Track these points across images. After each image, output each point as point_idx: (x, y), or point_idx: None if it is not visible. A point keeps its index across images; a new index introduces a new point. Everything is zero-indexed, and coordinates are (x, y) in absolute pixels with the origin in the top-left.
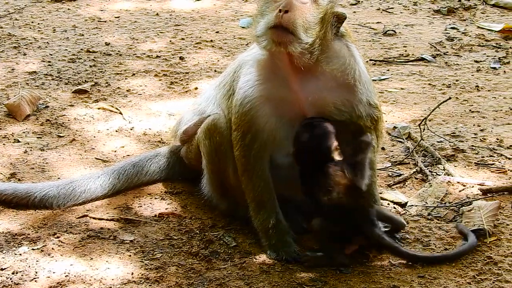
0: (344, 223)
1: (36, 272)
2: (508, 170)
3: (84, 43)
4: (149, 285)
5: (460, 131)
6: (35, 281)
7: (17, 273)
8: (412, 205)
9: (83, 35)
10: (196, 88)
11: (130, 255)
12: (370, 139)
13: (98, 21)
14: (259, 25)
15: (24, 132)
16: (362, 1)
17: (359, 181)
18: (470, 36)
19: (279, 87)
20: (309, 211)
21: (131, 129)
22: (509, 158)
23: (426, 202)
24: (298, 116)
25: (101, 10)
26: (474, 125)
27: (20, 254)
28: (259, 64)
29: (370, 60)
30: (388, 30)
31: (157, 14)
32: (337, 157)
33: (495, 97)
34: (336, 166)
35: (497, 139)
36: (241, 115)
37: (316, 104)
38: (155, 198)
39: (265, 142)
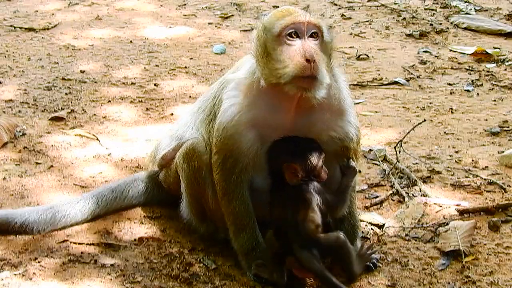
0: (281, 240)
1: None
2: (484, 190)
3: (59, 71)
4: None
5: (436, 153)
6: None
7: None
8: (390, 226)
9: (58, 63)
10: (172, 114)
11: (111, 279)
12: (356, 166)
13: (73, 49)
14: (284, 73)
15: (2, 160)
16: (334, 26)
17: (337, 206)
18: (442, 59)
19: (268, 113)
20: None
21: (108, 155)
22: (485, 179)
23: (403, 223)
24: None
25: (75, 38)
26: (449, 146)
27: (2, 279)
28: (247, 88)
29: None
30: (361, 55)
31: (131, 42)
32: (290, 178)
33: (469, 119)
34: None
35: (472, 160)
36: (223, 138)
37: (308, 134)
38: (134, 223)
39: (246, 167)
